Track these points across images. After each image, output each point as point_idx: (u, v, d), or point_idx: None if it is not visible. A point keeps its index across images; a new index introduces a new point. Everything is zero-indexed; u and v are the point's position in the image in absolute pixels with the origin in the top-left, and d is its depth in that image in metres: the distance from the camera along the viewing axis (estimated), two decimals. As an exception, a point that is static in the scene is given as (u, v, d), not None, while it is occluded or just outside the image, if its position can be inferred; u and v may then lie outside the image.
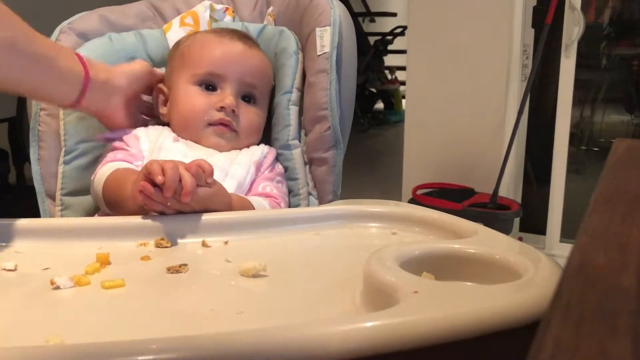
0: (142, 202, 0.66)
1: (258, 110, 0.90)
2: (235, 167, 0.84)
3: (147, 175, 0.65)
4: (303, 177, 0.89)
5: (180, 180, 0.65)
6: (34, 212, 0.88)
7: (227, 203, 0.73)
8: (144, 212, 0.68)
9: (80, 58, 0.78)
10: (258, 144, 0.91)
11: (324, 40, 0.89)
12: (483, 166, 2.13)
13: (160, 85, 0.92)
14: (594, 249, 0.32)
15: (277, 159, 0.90)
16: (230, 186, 0.81)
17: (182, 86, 0.88)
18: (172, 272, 0.56)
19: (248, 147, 0.89)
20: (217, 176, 0.80)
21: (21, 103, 2.20)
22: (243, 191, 0.84)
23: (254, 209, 0.79)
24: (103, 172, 0.80)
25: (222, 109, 0.85)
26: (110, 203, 0.77)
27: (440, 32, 2.18)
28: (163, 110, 0.91)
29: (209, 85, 0.87)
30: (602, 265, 0.30)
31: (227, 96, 0.86)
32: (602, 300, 0.26)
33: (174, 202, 0.66)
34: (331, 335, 0.37)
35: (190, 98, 0.87)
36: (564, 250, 2.11)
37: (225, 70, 0.87)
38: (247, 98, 0.89)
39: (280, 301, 0.51)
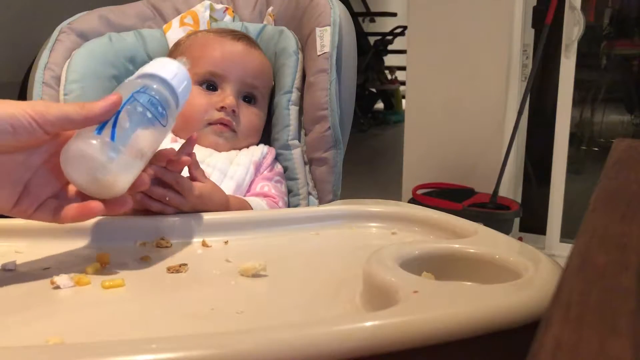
0: (141, 201, 0.66)
1: (258, 111, 0.90)
2: (234, 168, 0.84)
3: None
4: (303, 177, 0.89)
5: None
6: (34, 212, 0.88)
7: (224, 202, 0.72)
8: (138, 213, 0.68)
9: None
10: (257, 144, 0.91)
11: (324, 40, 0.89)
12: (483, 166, 2.14)
13: None
14: (594, 249, 0.32)
15: (277, 158, 0.90)
16: (229, 187, 0.81)
17: None
18: (172, 272, 0.56)
19: (248, 147, 0.89)
20: (215, 177, 0.80)
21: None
22: (242, 192, 0.84)
23: (251, 209, 0.79)
24: None
25: (222, 108, 0.85)
26: None
27: (440, 32, 2.18)
28: None
29: (210, 85, 0.87)
30: (602, 265, 0.30)
31: (227, 96, 0.86)
32: (602, 300, 0.26)
33: (172, 197, 0.66)
34: (331, 335, 0.37)
35: (191, 97, 0.86)
36: (564, 250, 2.12)
37: (226, 70, 0.87)
38: (248, 98, 0.89)
39: (280, 301, 0.51)
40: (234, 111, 0.86)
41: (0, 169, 0.51)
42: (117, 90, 0.59)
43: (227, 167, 0.84)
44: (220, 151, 0.86)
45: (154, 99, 0.59)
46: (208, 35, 0.92)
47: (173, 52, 0.94)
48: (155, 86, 0.60)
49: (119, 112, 0.55)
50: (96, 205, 0.54)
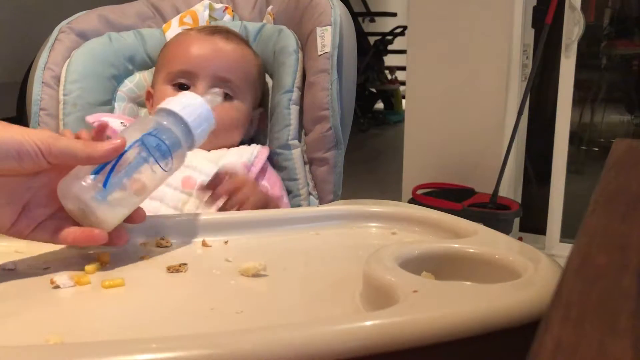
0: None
1: (237, 104, 0.89)
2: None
3: None
4: (303, 177, 0.89)
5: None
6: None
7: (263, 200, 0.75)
8: None
9: None
10: (249, 144, 0.90)
11: (325, 40, 0.89)
12: (483, 166, 2.14)
13: (149, 88, 0.92)
14: (594, 249, 0.32)
15: (276, 158, 0.90)
16: None
17: (159, 86, 0.87)
18: (172, 272, 0.56)
19: (237, 145, 0.88)
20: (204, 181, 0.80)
21: (21, 103, 2.20)
22: None
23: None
24: None
25: None
26: None
27: (440, 32, 2.18)
28: (152, 112, 0.91)
29: (182, 84, 0.86)
30: (602, 265, 0.30)
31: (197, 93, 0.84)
32: (602, 300, 0.26)
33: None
34: (331, 335, 0.38)
35: (165, 98, 0.85)
36: (564, 250, 2.12)
37: (197, 67, 0.86)
38: (224, 94, 0.87)
39: (280, 301, 0.51)
40: None
41: (2, 189, 0.53)
42: (133, 124, 0.61)
43: (213, 170, 0.82)
44: (209, 150, 0.84)
45: (163, 145, 0.59)
46: (188, 34, 0.91)
47: (161, 53, 0.93)
48: (169, 127, 0.60)
49: (121, 155, 0.56)
50: (99, 233, 0.56)
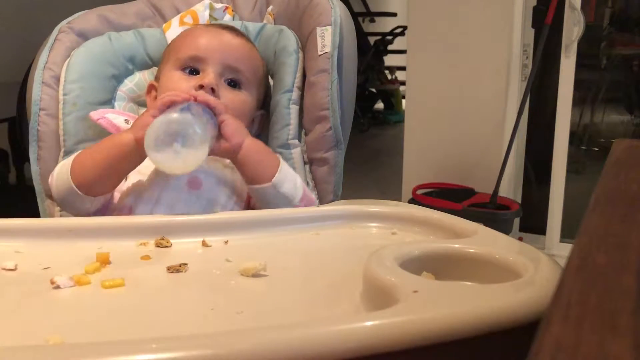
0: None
1: (244, 97, 0.87)
2: (228, 170, 0.83)
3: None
4: (302, 176, 0.89)
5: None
6: (34, 212, 0.88)
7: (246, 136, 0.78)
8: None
9: None
10: None
11: (325, 40, 0.89)
12: (483, 166, 2.13)
13: (152, 82, 0.92)
14: (594, 249, 0.32)
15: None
16: (224, 192, 0.80)
17: (167, 73, 0.87)
18: (172, 272, 0.56)
19: None
20: (209, 183, 0.79)
21: (21, 103, 2.20)
22: (241, 196, 0.83)
23: (277, 163, 0.79)
24: (65, 161, 0.80)
25: (201, 87, 0.82)
26: (87, 178, 0.74)
27: (440, 32, 2.18)
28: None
29: (193, 69, 0.85)
30: (602, 265, 0.30)
31: (207, 75, 0.83)
32: (602, 300, 0.26)
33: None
34: (331, 335, 0.38)
35: (173, 82, 0.85)
36: (564, 250, 2.11)
37: (208, 53, 0.85)
38: (233, 83, 0.87)
39: (280, 301, 0.51)
40: (213, 90, 0.82)
41: None
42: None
43: (216, 169, 0.82)
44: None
45: (206, 108, 0.74)
46: (196, 27, 0.92)
47: (168, 47, 0.93)
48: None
49: (187, 107, 0.70)
50: None
